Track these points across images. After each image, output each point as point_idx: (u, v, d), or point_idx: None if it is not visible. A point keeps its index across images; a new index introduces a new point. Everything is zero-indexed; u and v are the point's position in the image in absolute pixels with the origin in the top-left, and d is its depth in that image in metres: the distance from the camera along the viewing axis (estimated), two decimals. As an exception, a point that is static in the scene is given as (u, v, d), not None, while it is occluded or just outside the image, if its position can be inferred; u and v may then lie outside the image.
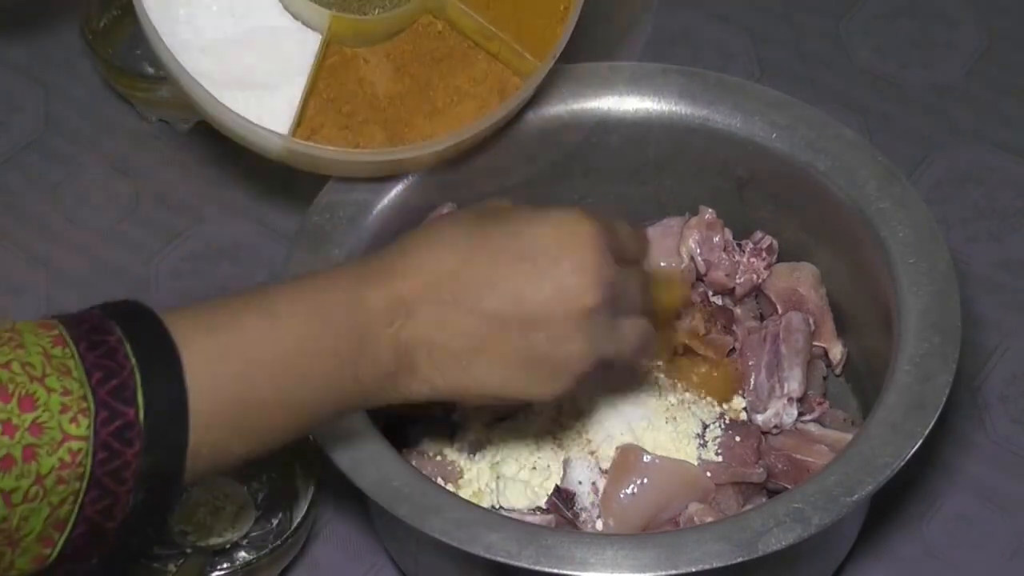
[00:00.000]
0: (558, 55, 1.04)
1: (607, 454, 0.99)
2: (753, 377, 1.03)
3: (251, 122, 1.01)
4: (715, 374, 1.03)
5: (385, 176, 1.05)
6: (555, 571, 0.88)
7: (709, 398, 1.02)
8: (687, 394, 1.02)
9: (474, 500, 0.98)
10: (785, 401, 1.02)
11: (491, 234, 0.85)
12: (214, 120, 1.03)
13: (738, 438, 1.00)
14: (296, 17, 1.04)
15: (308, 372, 0.80)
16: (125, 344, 0.74)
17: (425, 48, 1.05)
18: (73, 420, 0.72)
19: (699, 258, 1.08)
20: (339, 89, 1.04)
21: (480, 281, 0.84)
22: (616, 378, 0.99)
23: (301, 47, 1.04)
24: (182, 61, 1.01)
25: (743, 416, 1.03)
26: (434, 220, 0.93)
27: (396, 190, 1.05)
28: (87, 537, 0.73)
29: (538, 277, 0.84)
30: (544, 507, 0.98)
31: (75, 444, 0.72)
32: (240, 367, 0.78)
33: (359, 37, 1.04)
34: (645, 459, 0.98)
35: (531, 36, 1.05)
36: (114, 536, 0.74)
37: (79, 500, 0.72)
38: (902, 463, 0.91)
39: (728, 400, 1.03)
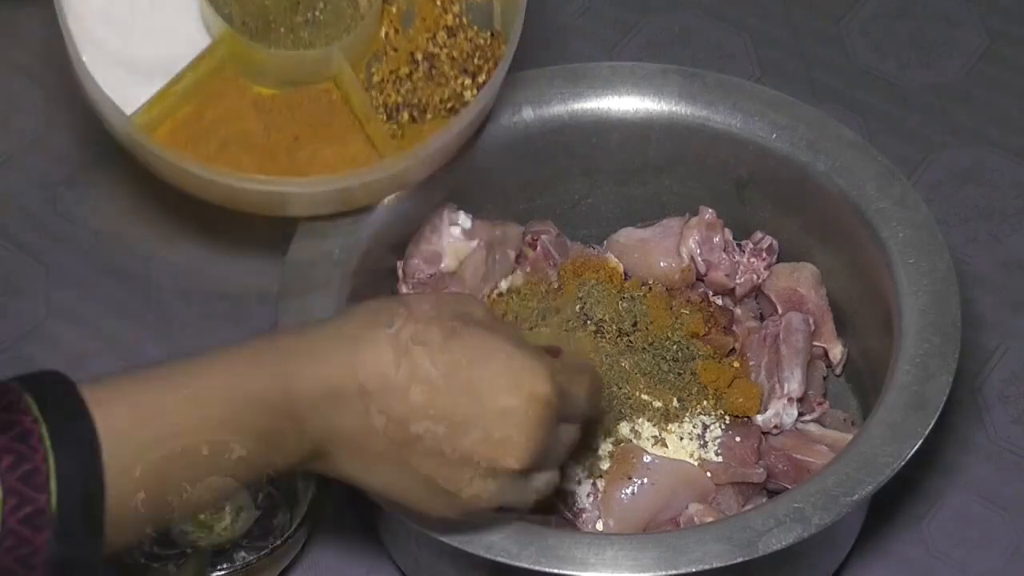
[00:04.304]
0: (419, 155, 1.01)
1: (607, 454, 0.99)
2: (753, 377, 1.03)
3: (103, 91, 0.99)
4: (716, 374, 1.03)
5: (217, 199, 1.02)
6: (555, 571, 0.88)
7: (709, 398, 1.02)
8: (687, 394, 1.02)
9: (474, 500, 0.98)
10: (785, 401, 1.02)
11: (443, 350, 0.82)
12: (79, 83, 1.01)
13: (738, 438, 1.00)
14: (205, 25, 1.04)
15: (226, 453, 0.79)
16: (41, 425, 0.72)
17: (311, 110, 1.04)
18: None
19: (699, 258, 1.08)
20: (216, 110, 1.02)
21: (416, 403, 0.81)
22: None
23: (191, 52, 1.02)
24: (75, 26, 1.01)
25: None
26: (384, 306, 0.84)
27: (388, 200, 1.05)
28: None
29: (474, 419, 0.82)
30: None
31: None
32: (161, 453, 0.76)
33: (248, 68, 1.03)
34: (645, 459, 0.98)
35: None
36: None
37: None
38: (902, 463, 0.91)
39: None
